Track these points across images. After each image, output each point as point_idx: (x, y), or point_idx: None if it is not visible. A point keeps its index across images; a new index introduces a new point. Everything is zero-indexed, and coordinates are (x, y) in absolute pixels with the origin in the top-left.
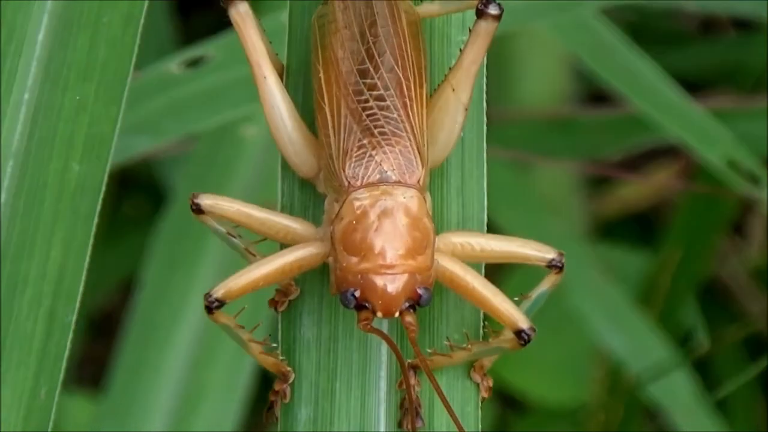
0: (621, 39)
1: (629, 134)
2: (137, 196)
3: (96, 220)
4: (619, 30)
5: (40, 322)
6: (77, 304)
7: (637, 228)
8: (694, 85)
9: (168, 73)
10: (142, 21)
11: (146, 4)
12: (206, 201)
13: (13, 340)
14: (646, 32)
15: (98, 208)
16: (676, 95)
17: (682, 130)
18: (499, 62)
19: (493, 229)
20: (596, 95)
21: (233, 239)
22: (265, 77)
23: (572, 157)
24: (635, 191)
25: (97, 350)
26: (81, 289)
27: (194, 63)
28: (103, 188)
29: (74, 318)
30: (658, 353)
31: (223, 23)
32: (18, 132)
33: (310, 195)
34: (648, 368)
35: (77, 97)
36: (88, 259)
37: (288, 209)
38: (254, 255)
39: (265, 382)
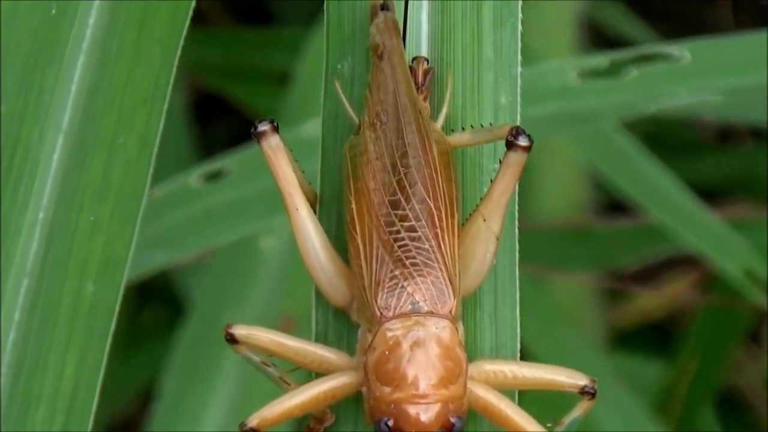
0: (638, 149)
1: (646, 244)
2: (156, 306)
3: (110, 339)
4: (637, 140)
5: None
6: (90, 423)
7: (653, 337)
8: (711, 194)
9: (187, 186)
10: (157, 142)
11: (161, 125)
12: (240, 331)
13: None
14: (664, 141)
15: (112, 328)
16: (693, 205)
17: (699, 240)
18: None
19: None
20: (614, 204)
21: (268, 368)
22: (297, 209)
23: (589, 267)
24: (652, 301)
25: None
26: (94, 407)
27: (213, 176)
28: (117, 308)
29: None
30: None
31: (241, 134)
32: (33, 251)
33: (345, 323)
34: None
35: (92, 218)
36: (101, 377)
37: (322, 337)
38: (289, 384)
39: None
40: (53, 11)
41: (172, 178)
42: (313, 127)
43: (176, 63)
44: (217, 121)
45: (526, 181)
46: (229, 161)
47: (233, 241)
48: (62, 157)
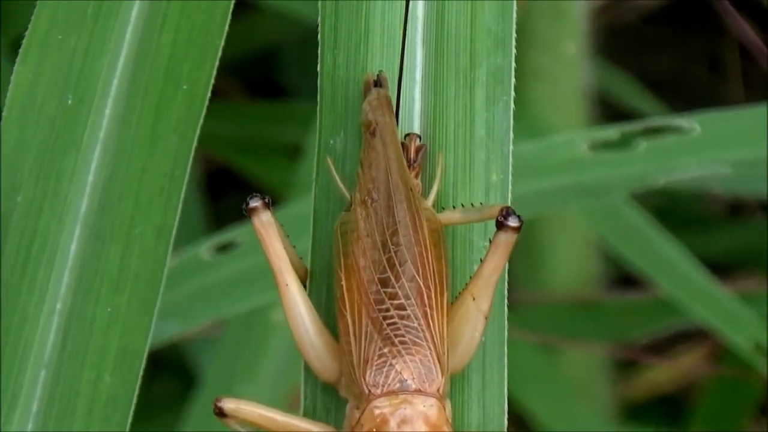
0: (649, 223)
1: (657, 317)
2: (167, 377)
3: (128, 429)
4: (647, 213)
5: None
6: None
7: (664, 410)
8: (721, 268)
9: (198, 258)
10: (173, 233)
11: (178, 215)
12: (228, 405)
13: None
14: (674, 215)
15: (130, 419)
16: (703, 279)
17: (709, 314)
18: (527, 244)
19: (520, 412)
20: (624, 278)
21: None
22: (287, 284)
23: (600, 340)
24: (662, 374)
25: None
26: None
27: (224, 248)
28: (135, 401)
29: None
30: None
31: None
32: (50, 342)
33: (333, 398)
34: None
35: (109, 309)
36: None
37: (310, 412)
38: None
39: None
40: (70, 101)
41: (184, 250)
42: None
43: (192, 153)
44: (229, 194)
45: (535, 253)
46: (240, 233)
47: (244, 313)
48: (80, 247)
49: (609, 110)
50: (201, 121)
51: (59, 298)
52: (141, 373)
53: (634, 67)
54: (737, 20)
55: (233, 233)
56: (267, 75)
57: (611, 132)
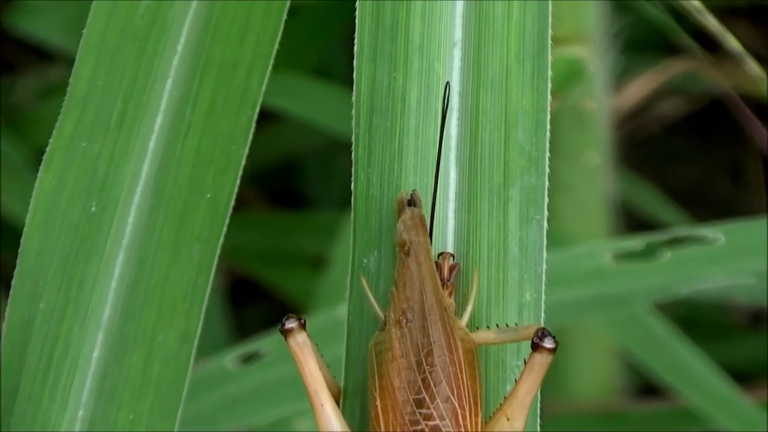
0: (672, 333)
1: (680, 426)
2: None
3: None
4: (671, 323)
5: None
6: None
7: None
8: (743, 376)
9: (223, 368)
10: (196, 341)
11: (201, 323)
12: None
13: None
14: (697, 325)
15: None
16: (726, 388)
17: (731, 423)
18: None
19: None
20: (647, 387)
21: None
22: (322, 405)
23: None
24: None
25: None
26: None
27: (249, 358)
28: None
29: None
30: None
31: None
32: None
33: None
34: None
35: (131, 416)
36: None
37: None
38: None
39: None
40: (93, 208)
41: (208, 360)
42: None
43: (216, 261)
44: (252, 305)
45: (559, 362)
46: (265, 343)
47: (269, 423)
48: (102, 353)
49: (632, 220)
50: (224, 228)
51: (81, 404)
52: None
53: (657, 177)
54: (759, 130)
55: (258, 344)
56: (289, 185)
57: (635, 242)
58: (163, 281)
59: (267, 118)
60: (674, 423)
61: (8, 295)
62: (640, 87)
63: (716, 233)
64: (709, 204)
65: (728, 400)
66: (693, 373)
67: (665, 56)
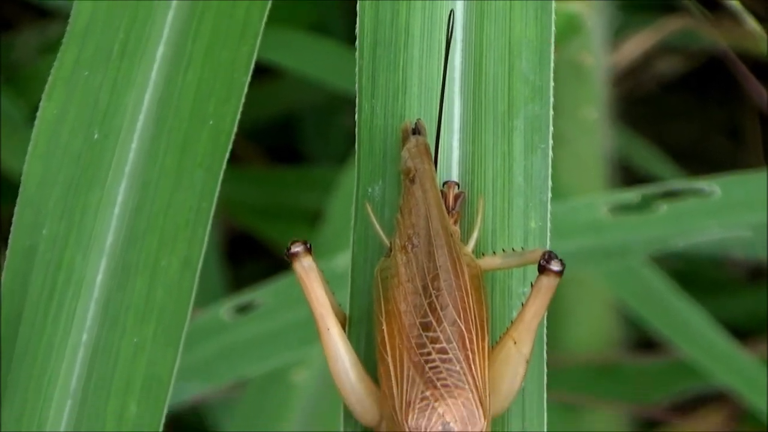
0: (669, 286)
1: (677, 380)
2: None
3: None
4: (667, 277)
5: None
6: None
7: None
8: (740, 332)
9: (218, 319)
10: (200, 265)
11: (204, 248)
12: None
13: None
14: (694, 280)
15: None
16: (723, 342)
17: (729, 377)
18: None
19: None
20: (644, 341)
21: None
22: (328, 329)
23: (620, 402)
24: None
25: None
26: None
27: (244, 309)
28: (161, 428)
29: None
30: None
31: (273, 272)
32: (76, 373)
33: None
34: None
35: (135, 340)
36: None
37: None
38: None
39: None
40: (96, 135)
41: (205, 311)
42: (344, 261)
43: (219, 187)
44: (249, 261)
45: (556, 315)
46: (260, 294)
47: (265, 373)
48: (105, 280)
49: (629, 176)
50: (227, 155)
51: (85, 329)
52: (167, 402)
53: (654, 135)
54: (757, 88)
55: (254, 294)
56: (287, 142)
57: (632, 195)
58: (165, 208)
59: (265, 73)
60: (671, 377)
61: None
62: (637, 44)
63: (713, 186)
64: (705, 162)
65: (725, 354)
66: (690, 326)
67: (663, 14)
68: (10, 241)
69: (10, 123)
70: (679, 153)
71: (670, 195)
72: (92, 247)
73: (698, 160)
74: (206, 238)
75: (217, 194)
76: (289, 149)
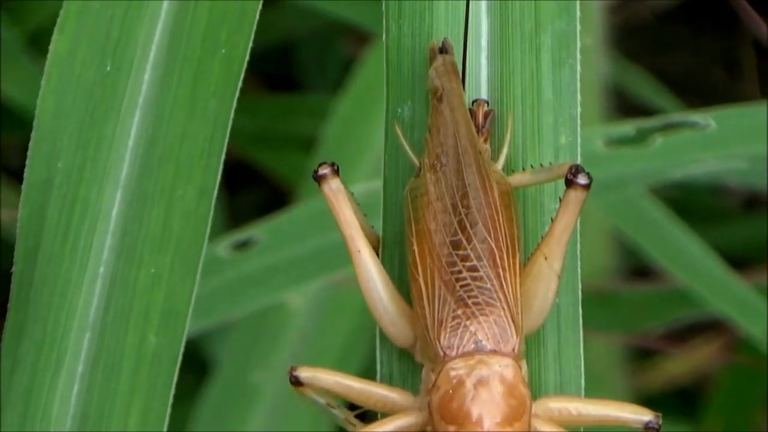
0: (665, 214)
1: (673, 309)
2: (183, 372)
3: (173, 390)
4: (664, 206)
5: None
6: None
7: (679, 402)
8: (736, 261)
9: (215, 256)
10: (215, 194)
11: (219, 176)
12: (304, 373)
13: None
14: (690, 208)
15: (175, 379)
16: (719, 270)
17: (725, 305)
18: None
19: None
20: (640, 270)
21: (333, 410)
22: (359, 251)
23: (615, 331)
24: (678, 366)
25: None
26: None
27: (241, 246)
28: (180, 359)
29: None
30: None
31: (269, 201)
32: (94, 306)
33: (409, 364)
34: None
35: (152, 270)
36: (166, 429)
37: (387, 379)
38: (354, 425)
39: None
40: (108, 68)
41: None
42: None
43: (232, 115)
44: (245, 189)
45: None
46: (258, 230)
47: (261, 310)
48: (121, 211)
49: (624, 106)
50: (240, 84)
51: (102, 262)
52: (186, 332)
53: (650, 66)
54: (754, 18)
55: (250, 231)
56: (284, 70)
57: (627, 128)
58: (180, 138)
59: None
60: (667, 305)
61: (7, 180)
62: None
63: (707, 119)
64: (702, 93)
65: (721, 282)
66: (686, 254)
67: None
68: (25, 174)
69: (8, 52)
70: (676, 84)
71: (666, 128)
72: (107, 180)
73: (694, 92)
74: (221, 167)
75: (230, 123)
76: (286, 78)
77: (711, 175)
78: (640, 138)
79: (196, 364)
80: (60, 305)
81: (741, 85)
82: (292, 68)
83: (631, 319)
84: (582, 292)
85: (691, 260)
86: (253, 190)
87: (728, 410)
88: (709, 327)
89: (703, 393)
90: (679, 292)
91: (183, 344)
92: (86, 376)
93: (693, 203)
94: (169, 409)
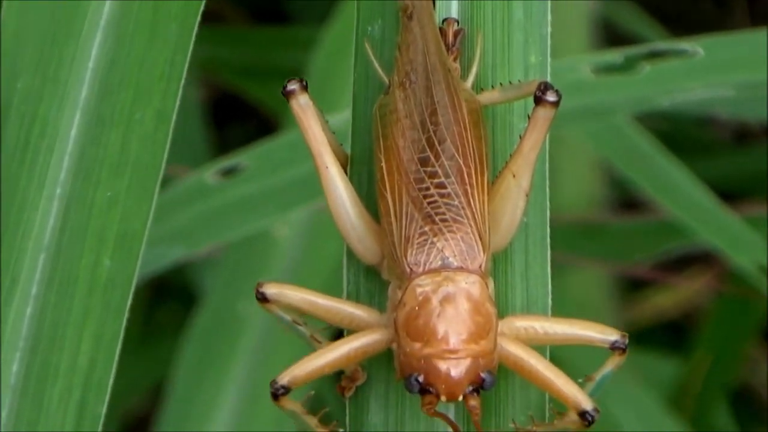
0: (653, 145)
1: (662, 240)
2: (170, 303)
3: (127, 314)
4: (652, 137)
5: (70, 413)
6: (107, 396)
7: (668, 335)
8: (725, 194)
9: (203, 182)
10: (173, 118)
11: (178, 102)
12: (271, 290)
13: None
14: (679, 141)
15: (129, 302)
16: (708, 200)
17: (713, 236)
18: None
19: None
20: (629, 201)
21: (298, 327)
22: (326, 167)
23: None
24: (667, 299)
25: None
26: (111, 382)
27: (228, 173)
28: (134, 283)
29: (104, 410)
30: None
31: (258, 134)
32: (50, 226)
33: (375, 282)
34: None
35: (109, 193)
36: (118, 351)
37: (354, 296)
38: (320, 342)
39: None
40: None
41: (189, 175)
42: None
43: (193, 39)
44: (234, 123)
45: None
46: (245, 157)
47: (247, 237)
48: (79, 133)
49: (614, 39)
50: (201, 8)
51: (59, 182)
52: (140, 257)
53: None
54: None
55: (238, 158)
56: (270, 3)
57: (615, 56)
58: (140, 61)
59: None
60: (656, 237)
61: None
62: None
63: (695, 48)
64: (691, 28)
65: (709, 213)
66: (675, 185)
67: None
68: None
69: None
70: (665, 18)
71: (654, 56)
72: (66, 101)
73: (684, 26)
74: (180, 92)
75: (191, 47)
76: (273, 10)
77: (700, 105)
78: (629, 66)
79: (184, 295)
80: (16, 225)
81: (731, 20)
82: (279, 0)
83: (621, 251)
84: (571, 223)
85: (679, 191)
86: (242, 123)
87: (718, 343)
88: (699, 259)
89: (693, 327)
90: (668, 224)
91: (137, 269)
92: (40, 297)
93: (682, 136)
94: (122, 332)
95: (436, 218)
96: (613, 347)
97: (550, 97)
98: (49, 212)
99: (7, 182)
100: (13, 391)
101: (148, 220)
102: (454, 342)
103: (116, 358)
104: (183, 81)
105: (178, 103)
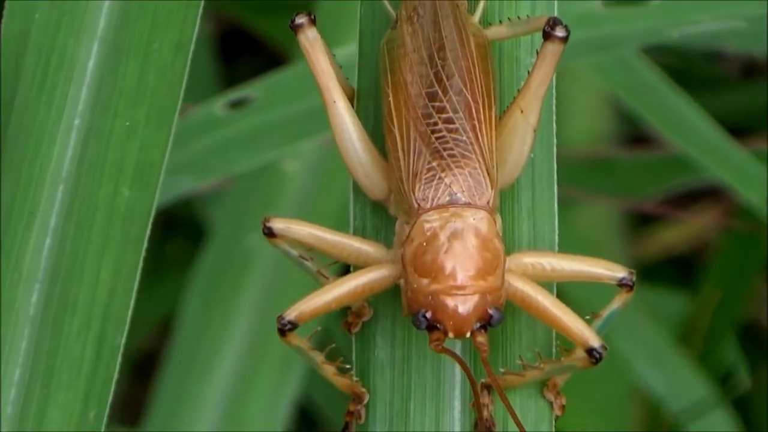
0: (662, 78)
1: (670, 175)
2: (179, 238)
3: (146, 244)
4: (661, 72)
5: (89, 344)
6: (126, 327)
7: (677, 270)
8: (733, 130)
9: (212, 114)
10: (191, 48)
11: (196, 31)
12: (278, 225)
13: (63, 363)
14: (686, 76)
15: (148, 232)
16: (716, 135)
17: (721, 170)
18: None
19: None
20: (637, 136)
21: (305, 262)
22: (334, 101)
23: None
24: (675, 234)
25: (139, 392)
26: (130, 312)
27: (238, 104)
28: (153, 213)
29: (123, 341)
30: (698, 393)
31: (267, 67)
32: (68, 157)
33: (382, 218)
34: (688, 408)
35: (127, 123)
36: (137, 282)
37: (360, 232)
38: (326, 277)
39: (303, 417)
40: None
41: (198, 107)
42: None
43: None
44: (243, 57)
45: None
46: (255, 89)
47: (258, 167)
48: (97, 64)
49: None
50: None
51: (77, 114)
52: (159, 186)
53: None
54: None
55: (248, 90)
56: None
57: None
58: None
59: None
60: (665, 171)
61: None
62: None
63: None
64: None
65: (718, 147)
66: (683, 119)
67: None
68: (2, 26)
69: None
70: None
71: None
72: (84, 32)
73: None
74: (198, 21)
75: None
76: None
77: (709, 39)
78: None
79: (192, 229)
80: (34, 156)
81: None
82: None
83: (628, 186)
84: (578, 159)
85: (687, 125)
86: (251, 57)
87: (726, 279)
88: (707, 194)
89: (701, 262)
90: (676, 159)
91: (156, 200)
92: (59, 229)
93: (690, 70)
94: (141, 263)
95: (444, 153)
96: (621, 284)
97: (559, 32)
98: (67, 143)
99: (25, 113)
100: (32, 322)
101: (166, 150)
102: (461, 278)
103: (135, 289)
104: (200, 11)
105: (196, 32)
